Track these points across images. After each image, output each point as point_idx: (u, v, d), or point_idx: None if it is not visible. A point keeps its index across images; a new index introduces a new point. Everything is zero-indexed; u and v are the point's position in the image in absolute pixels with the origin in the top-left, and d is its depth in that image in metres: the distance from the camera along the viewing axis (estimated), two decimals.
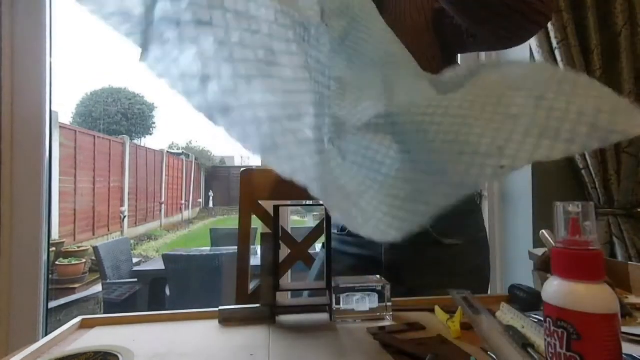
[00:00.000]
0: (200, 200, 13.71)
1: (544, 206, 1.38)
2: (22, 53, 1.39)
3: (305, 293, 0.85)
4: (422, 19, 0.78)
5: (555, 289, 0.34)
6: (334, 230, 0.92)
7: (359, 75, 0.38)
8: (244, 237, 0.98)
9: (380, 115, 0.36)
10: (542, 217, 1.37)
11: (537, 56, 1.33)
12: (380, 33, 0.39)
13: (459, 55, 0.87)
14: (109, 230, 7.23)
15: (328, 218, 0.64)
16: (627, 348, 0.46)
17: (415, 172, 0.36)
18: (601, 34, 1.30)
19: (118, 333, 0.56)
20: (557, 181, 1.39)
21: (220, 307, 0.60)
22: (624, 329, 0.49)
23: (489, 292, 1.58)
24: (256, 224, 1.02)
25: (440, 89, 0.36)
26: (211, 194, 14.20)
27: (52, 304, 3.40)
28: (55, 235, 5.31)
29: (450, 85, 0.36)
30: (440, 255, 0.78)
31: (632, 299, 0.63)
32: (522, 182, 1.45)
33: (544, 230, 0.75)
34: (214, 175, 14.86)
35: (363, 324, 0.56)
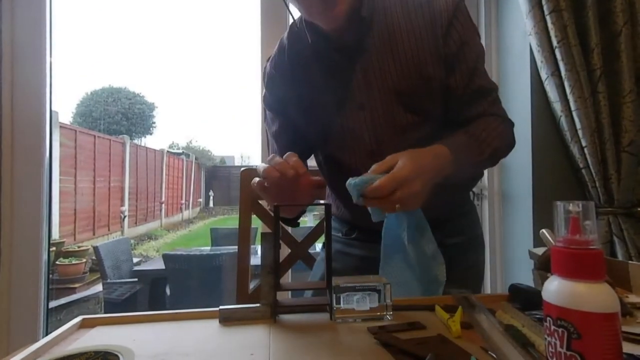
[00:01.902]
0: (201, 199, 13.71)
1: (544, 205, 1.38)
2: (22, 53, 1.39)
3: (306, 292, 0.85)
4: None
5: (555, 288, 0.34)
6: (339, 234, 0.93)
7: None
8: (244, 236, 0.98)
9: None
10: (542, 216, 1.37)
11: (538, 56, 1.33)
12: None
13: None
14: (109, 229, 7.24)
15: (328, 218, 0.65)
16: (627, 347, 0.46)
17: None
18: (601, 33, 1.29)
19: (118, 333, 0.56)
20: (557, 180, 1.39)
21: (221, 307, 0.60)
22: (624, 328, 0.49)
23: (489, 291, 1.59)
24: (256, 223, 1.02)
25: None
26: (211, 193, 14.20)
27: (53, 304, 3.40)
28: (55, 235, 5.31)
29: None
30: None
31: (633, 298, 0.63)
32: (522, 181, 1.45)
33: (544, 230, 0.75)
34: (214, 174, 14.86)
35: (363, 324, 0.56)
